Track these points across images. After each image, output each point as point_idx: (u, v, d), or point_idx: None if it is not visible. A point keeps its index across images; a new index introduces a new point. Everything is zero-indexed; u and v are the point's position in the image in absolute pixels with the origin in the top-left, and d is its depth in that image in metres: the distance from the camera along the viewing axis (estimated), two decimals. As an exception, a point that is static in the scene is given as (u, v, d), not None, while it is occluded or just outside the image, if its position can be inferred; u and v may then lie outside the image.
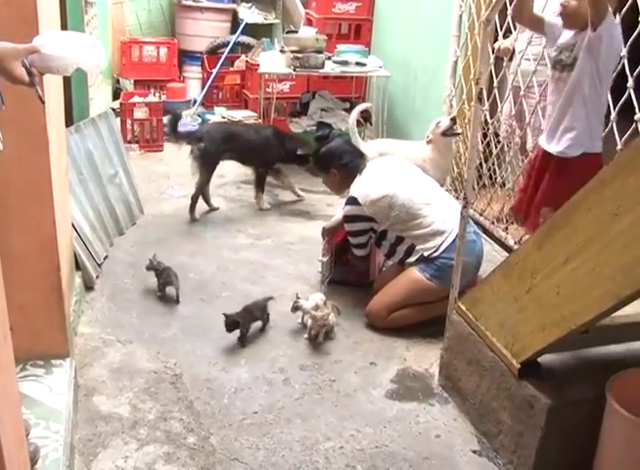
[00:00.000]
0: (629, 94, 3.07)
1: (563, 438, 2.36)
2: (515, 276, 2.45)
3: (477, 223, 3.87)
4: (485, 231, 4.30)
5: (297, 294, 3.40)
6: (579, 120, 2.53)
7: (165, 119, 5.22)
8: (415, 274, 3.38)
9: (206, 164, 4.69)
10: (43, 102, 1.88)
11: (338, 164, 3.66)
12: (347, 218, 3.55)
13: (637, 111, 3.03)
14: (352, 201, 3.48)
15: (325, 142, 3.74)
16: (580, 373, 2.48)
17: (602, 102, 2.58)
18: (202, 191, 4.74)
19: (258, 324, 3.34)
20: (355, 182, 3.61)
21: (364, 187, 3.50)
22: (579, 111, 2.52)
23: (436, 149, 4.47)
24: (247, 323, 3.23)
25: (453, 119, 4.38)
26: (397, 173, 3.58)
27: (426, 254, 3.35)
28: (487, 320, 2.63)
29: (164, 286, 3.59)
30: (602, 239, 2.01)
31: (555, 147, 2.60)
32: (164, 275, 3.58)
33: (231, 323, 3.17)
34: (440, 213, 3.37)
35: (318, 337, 3.26)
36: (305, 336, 3.28)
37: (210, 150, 4.65)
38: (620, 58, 2.80)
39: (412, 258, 3.41)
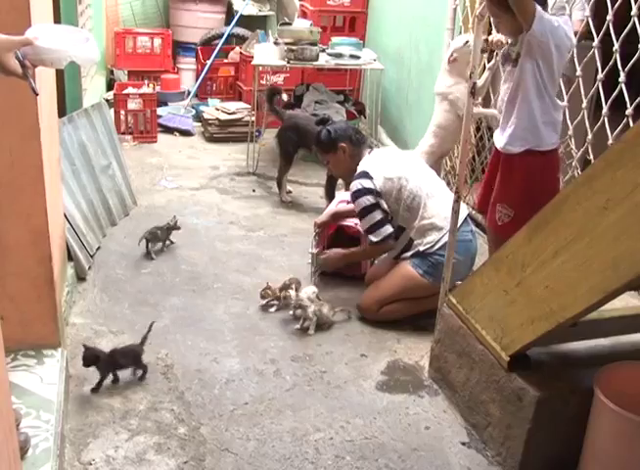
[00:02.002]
0: (621, 89, 3.09)
1: (551, 430, 2.38)
2: (505, 269, 2.46)
3: (469, 217, 3.88)
4: (478, 225, 4.31)
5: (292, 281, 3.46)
6: (521, 117, 2.57)
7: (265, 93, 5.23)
8: (408, 270, 3.38)
9: (281, 149, 4.89)
10: (37, 94, 1.88)
11: (346, 136, 3.61)
12: (355, 194, 3.38)
13: (628, 105, 3.05)
14: (363, 174, 3.39)
15: (327, 123, 3.75)
16: (569, 366, 2.50)
17: (549, 100, 2.61)
18: (282, 175, 4.90)
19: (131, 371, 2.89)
20: (364, 161, 3.52)
21: (377, 164, 3.44)
22: (522, 107, 2.56)
23: (459, 71, 4.16)
24: (106, 369, 2.78)
25: (486, 40, 4.15)
26: (408, 161, 3.57)
27: (422, 248, 3.34)
28: (477, 313, 2.65)
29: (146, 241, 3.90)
30: (590, 233, 2.02)
31: (499, 142, 2.66)
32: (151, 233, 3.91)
33: (89, 357, 2.74)
34: (442, 209, 3.29)
35: (309, 329, 3.27)
36: (297, 326, 3.30)
37: (283, 136, 4.85)
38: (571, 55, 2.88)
39: (408, 253, 3.41)
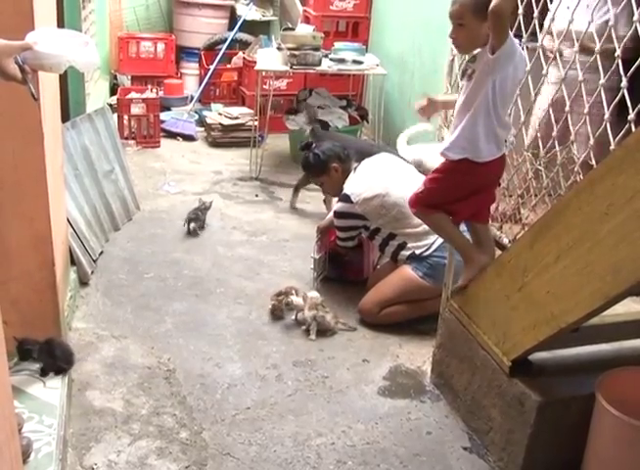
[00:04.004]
0: (623, 94, 3.09)
1: (552, 435, 2.38)
2: (507, 274, 2.46)
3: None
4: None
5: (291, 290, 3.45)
6: (465, 129, 2.62)
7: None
8: (408, 272, 3.39)
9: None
10: (36, 99, 1.89)
11: (335, 156, 3.69)
12: (338, 214, 3.57)
13: (630, 111, 3.05)
14: (345, 198, 3.51)
15: (312, 148, 3.77)
16: (570, 371, 2.50)
17: (495, 118, 2.63)
18: (302, 185, 4.88)
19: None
20: (349, 180, 3.61)
21: (357, 185, 3.52)
22: (469, 121, 2.60)
23: None
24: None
25: None
26: (391, 172, 3.59)
27: (417, 252, 3.37)
28: (479, 318, 2.65)
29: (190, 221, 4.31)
30: (592, 238, 2.02)
31: (442, 146, 2.72)
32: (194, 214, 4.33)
33: (24, 352, 2.60)
34: None
35: (310, 333, 3.28)
36: (303, 327, 3.32)
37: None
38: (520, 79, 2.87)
39: (405, 253, 3.43)
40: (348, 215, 3.53)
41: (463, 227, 2.99)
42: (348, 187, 3.55)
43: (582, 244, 2.06)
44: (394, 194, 3.40)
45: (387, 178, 3.50)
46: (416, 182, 3.54)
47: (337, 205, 3.60)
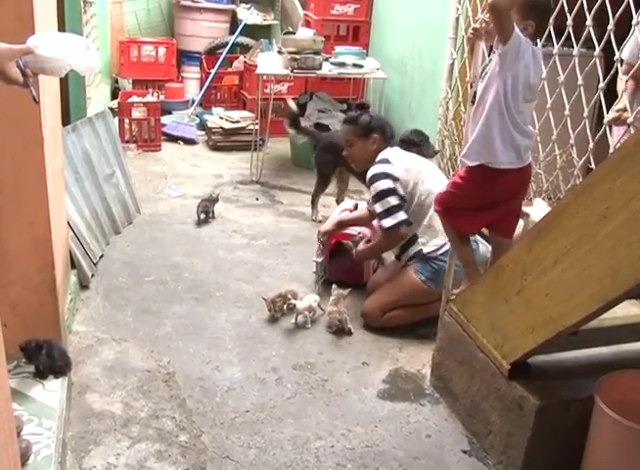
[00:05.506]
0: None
1: (551, 438, 2.37)
2: (505, 278, 2.47)
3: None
4: (482, 234, 4.29)
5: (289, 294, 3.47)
6: (480, 132, 2.61)
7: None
8: (411, 276, 3.39)
9: (319, 170, 4.73)
10: (37, 102, 1.90)
11: (382, 130, 3.56)
12: (374, 177, 3.34)
13: (630, 114, 3.06)
14: (384, 160, 3.38)
15: (368, 110, 3.73)
16: (569, 374, 2.50)
17: (508, 120, 2.60)
18: (317, 194, 4.77)
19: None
20: (386, 151, 3.49)
21: (399, 155, 3.46)
22: (484, 122, 2.59)
23: None
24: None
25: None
26: (427, 163, 3.62)
27: (425, 250, 3.37)
28: (478, 321, 2.65)
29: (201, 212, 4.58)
30: (590, 241, 2.02)
31: (461, 153, 2.72)
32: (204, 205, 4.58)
33: (32, 350, 2.62)
34: None
35: (306, 323, 3.39)
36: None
37: (321, 158, 4.70)
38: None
39: (410, 252, 3.42)
40: (384, 176, 3.31)
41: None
42: (386, 154, 3.43)
43: (580, 247, 2.06)
44: (428, 181, 3.38)
45: (424, 164, 3.52)
46: (440, 179, 3.54)
47: (372, 167, 3.39)
